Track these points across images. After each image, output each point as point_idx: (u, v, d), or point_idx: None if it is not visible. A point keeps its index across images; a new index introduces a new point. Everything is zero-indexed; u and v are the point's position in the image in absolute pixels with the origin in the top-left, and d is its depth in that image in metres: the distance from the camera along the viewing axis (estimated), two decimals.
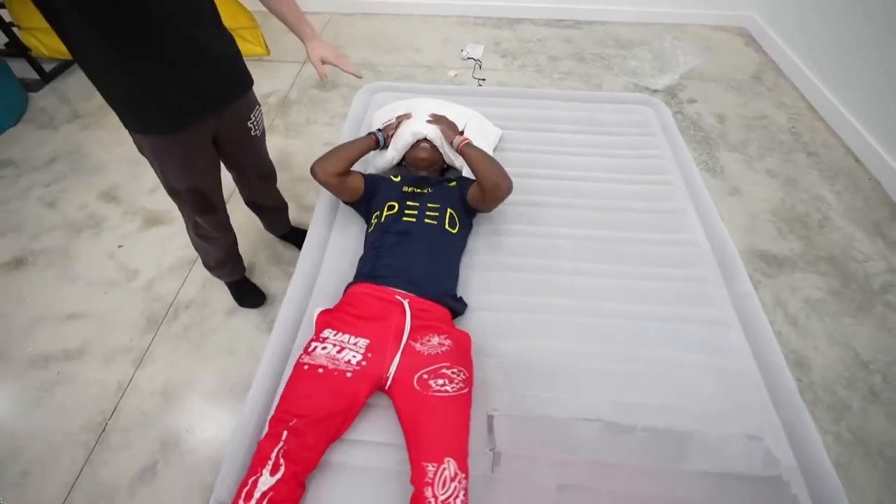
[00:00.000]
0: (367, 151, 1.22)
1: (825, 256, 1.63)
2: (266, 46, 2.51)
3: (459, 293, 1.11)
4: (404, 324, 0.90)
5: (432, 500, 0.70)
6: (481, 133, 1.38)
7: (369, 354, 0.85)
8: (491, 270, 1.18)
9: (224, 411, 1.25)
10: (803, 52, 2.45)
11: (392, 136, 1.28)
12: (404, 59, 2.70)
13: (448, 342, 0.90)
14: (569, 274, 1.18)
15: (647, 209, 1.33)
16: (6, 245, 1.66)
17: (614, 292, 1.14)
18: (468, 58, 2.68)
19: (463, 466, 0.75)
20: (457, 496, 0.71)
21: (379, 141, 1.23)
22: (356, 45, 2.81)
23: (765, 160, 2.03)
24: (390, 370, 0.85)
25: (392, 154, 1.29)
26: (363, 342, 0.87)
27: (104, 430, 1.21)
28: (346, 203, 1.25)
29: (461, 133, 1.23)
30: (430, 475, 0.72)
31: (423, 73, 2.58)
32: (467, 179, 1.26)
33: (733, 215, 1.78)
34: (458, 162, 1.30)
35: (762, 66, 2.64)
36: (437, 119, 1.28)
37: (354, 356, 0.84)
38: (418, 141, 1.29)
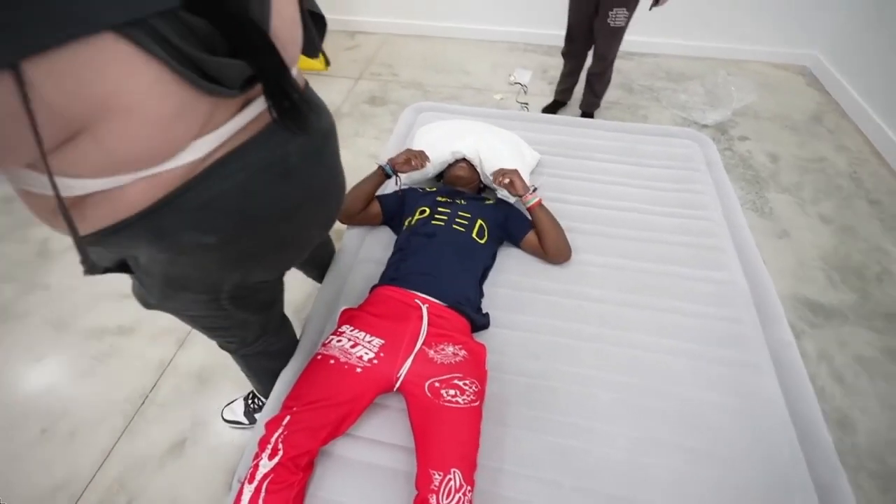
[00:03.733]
0: (380, 185, 1.26)
1: (882, 312, 1.52)
2: (326, 62, 2.68)
3: (485, 309, 1.12)
4: (420, 329, 0.93)
5: None
6: (519, 157, 1.41)
7: (382, 354, 0.88)
8: (519, 290, 1.19)
9: None
10: (870, 95, 2.33)
11: (398, 165, 1.24)
12: (453, 80, 2.80)
13: (463, 353, 0.92)
14: (597, 301, 1.17)
15: (683, 243, 1.31)
16: None
17: (643, 324, 1.12)
18: (515, 82, 2.74)
19: (469, 478, 0.76)
20: None
21: (387, 173, 1.25)
22: (408, 64, 2.95)
23: (819, 205, 1.93)
24: (400, 372, 0.87)
25: (427, 168, 1.34)
26: (378, 341, 0.90)
27: (143, 402, 1.31)
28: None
29: (533, 190, 1.21)
30: (436, 483, 0.73)
31: (470, 95, 2.66)
32: (507, 203, 1.30)
33: (780, 259, 1.70)
34: (500, 192, 1.34)
35: (823, 107, 2.53)
36: (509, 173, 1.22)
37: (367, 353, 0.88)
38: (457, 160, 1.35)
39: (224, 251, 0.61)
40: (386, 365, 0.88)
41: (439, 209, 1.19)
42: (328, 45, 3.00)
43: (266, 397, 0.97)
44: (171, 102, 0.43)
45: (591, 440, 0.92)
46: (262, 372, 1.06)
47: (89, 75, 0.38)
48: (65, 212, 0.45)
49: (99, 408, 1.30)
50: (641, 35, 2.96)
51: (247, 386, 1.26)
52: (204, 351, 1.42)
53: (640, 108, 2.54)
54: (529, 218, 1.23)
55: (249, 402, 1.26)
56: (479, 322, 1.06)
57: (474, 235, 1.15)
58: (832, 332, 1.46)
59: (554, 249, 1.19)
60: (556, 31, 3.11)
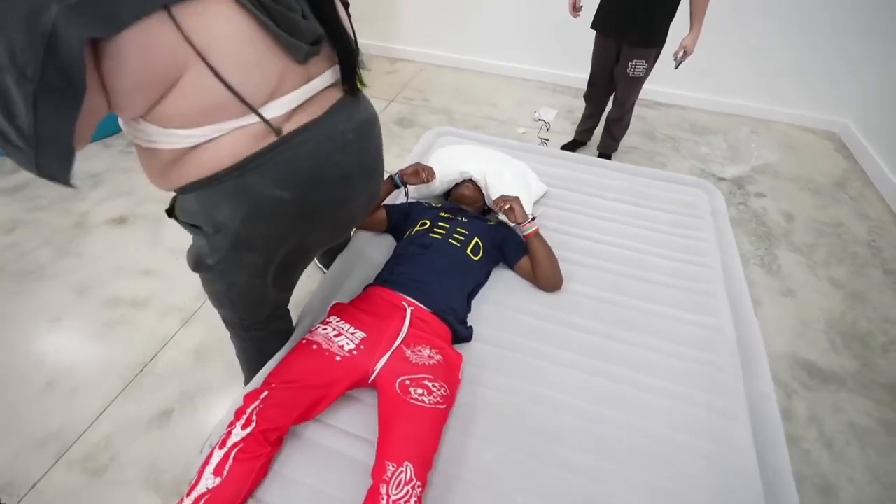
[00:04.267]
0: (388, 193, 1.37)
1: (884, 383, 1.47)
2: (362, 81, 2.86)
3: (470, 323, 1.16)
4: (401, 328, 0.97)
5: (385, 497, 0.74)
6: (524, 185, 1.47)
7: (362, 347, 0.93)
8: (505, 309, 1.23)
9: (241, 379, 1.38)
10: None
11: (406, 176, 1.34)
12: (479, 111, 2.93)
13: (438, 357, 0.96)
14: (580, 330, 1.19)
15: (675, 286, 1.32)
16: (117, 205, 2.01)
17: (623, 358, 1.13)
18: (539, 119, 2.85)
19: (421, 474, 0.78)
20: (408, 500, 0.74)
21: (396, 183, 1.35)
22: (440, 92, 3.11)
23: (831, 269, 1.90)
24: (376, 366, 0.91)
25: (435, 184, 1.42)
26: (360, 334, 0.95)
27: (141, 371, 1.39)
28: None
29: (532, 219, 1.27)
30: (389, 473, 0.76)
31: (493, 126, 2.77)
32: (506, 226, 1.35)
33: (782, 317, 1.67)
34: (500, 216, 1.36)
35: (849, 174, 2.51)
36: (510, 199, 1.27)
37: (348, 344, 0.93)
38: (464, 180, 1.42)
39: (295, 207, 0.73)
40: (364, 357, 0.92)
41: (439, 223, 1.25)
42: (370, 68, 3.19)
43: None
44: (254, 49, 0.57)
45: (551, 462, 0.93)
46: (256, 356, 1.11)
47: (207, 20, 0.52)
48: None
49: (101, 370, 1.38)
50: (669, 86, 3.04)
51: (237, 372, 1.30)
52: (204, 331, 1.50)
53: (658, 155, 2.59)
54: (525, 247, 1.28)
55: None
56: (462, 333, 1.10)
57: (468, 252, 1.19)
58: (827, 396, 1.42)
59: (545, 278, 1.23)
60: (583, 74, 3.24)
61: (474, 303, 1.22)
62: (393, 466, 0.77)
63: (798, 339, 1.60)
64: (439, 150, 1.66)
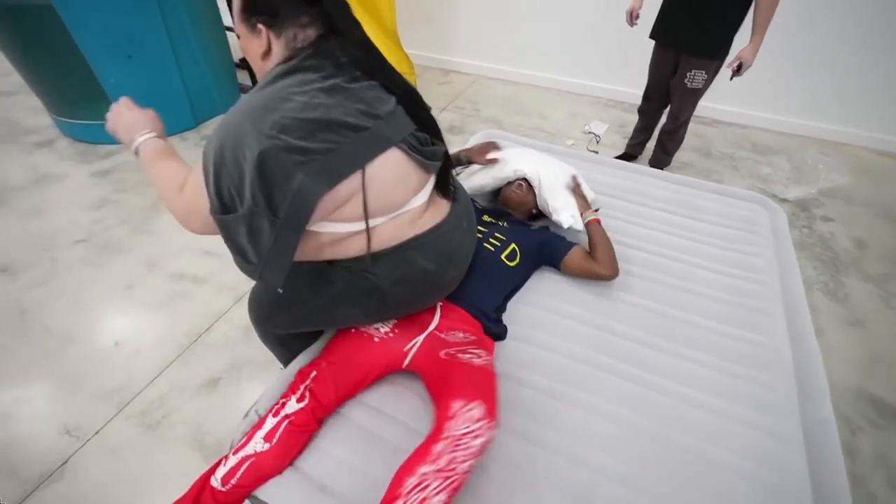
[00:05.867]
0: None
1: None
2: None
3: (505, 322, 1.15)
4: (432, 318, 1.00)
5: (447, 435, 0.72)
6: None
7: (396, 330, 0.96)
8: (542, 310, 1.21)
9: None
10: None
11: (474, 156, 1.39)
12: (529, 122, 2.95)
13: (472, 338, 0.96)
14: (621, 337, 1.16)
15: (727, 301, 1.26)
16: None
17: (664, 368, 1.09)
18: (589, 132, 2.82)
19: (491, 415, 0.78)
20: (477, 436, 0.73)
21: (461, 161, 1.40)
22: (491, 103, 3.16)
23: None
24: (410, 347, 0.94)
25: (487, 181, 1.41)
26: (392, 321, 0.98)
27: (196, 340, 1.50)
28: None
29: (595, 210, 1.29)
30: (454, 410, 0.76)
31: (542, 137, 2.78)
32: (555, 235, 1.31)
33: (847, 347, 1.54)
34: (554, 216, 1.33)
35: None
36: (575, 187, 1.32)
37: (382, 327, 0.96)
38: (517, 178, 1.41)
39: (434, 276, 0.89)
40: (398, 340, 0.95)
41: (478, 227, 1.23)
42: (424, 78, 3.30)
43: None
44: (403, 171, 0.79)
45: (581, 465, 0.90)
46: (294, 345, 1.15)
47: (382, 163, 0.75)
48: (368, 235, 0.79)
49: (162, 336, 1.51)
50: (729, 104, 2.93)
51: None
52: None
53: (714, 173, 2.48)
54: (572, 242, 1.27)
55: None
56: (493, 330, 1.08)
57: (503, 257, 1.17)
58: None
59: (604, 262, 1.21)
60: (638, 90, 3.19)
61: (511, 303, 1.21)
62: (460, 403, 0.77)
63: (865, 372, 1.46)
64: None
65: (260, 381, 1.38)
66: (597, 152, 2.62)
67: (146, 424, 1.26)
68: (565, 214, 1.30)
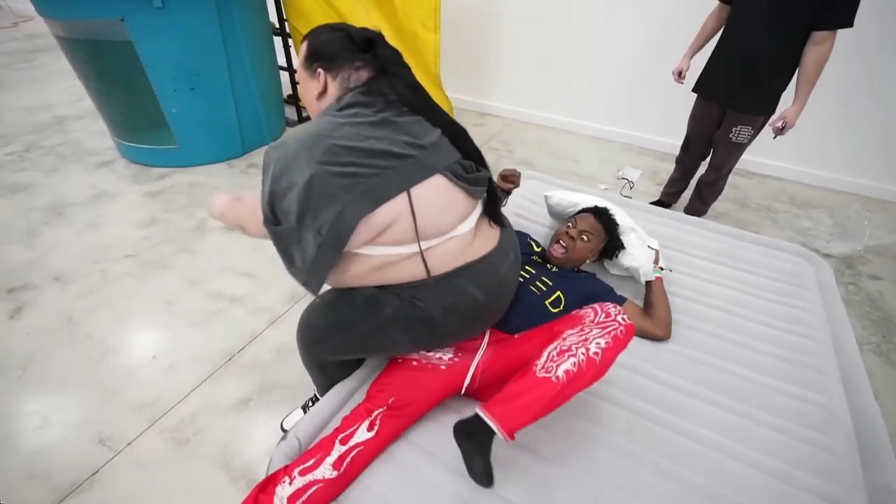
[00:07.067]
0: None
1: None
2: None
3: None
4: (481, 342, 1.01)
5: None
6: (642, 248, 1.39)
7: (460, 354, 0.97)
8: None
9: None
10: None
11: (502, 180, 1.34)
12: (562, 165, 3.00)
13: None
14: (664, 384, 1.12)
15: (776, 355, 1.21)
16: None
17: (711, 421, 1.04)
18: (623, 178, 2.85)
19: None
20: (612, 332, 0.83)
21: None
22: (523, 146, 3.25)
23: None
24: (469, 371, 0.96)
25: (578, 199, 1.46)
26: (449, 352, 0.99)
27: (230, 360, 1.51)
28: None
29: (661, 269, 1.32)
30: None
31: (574, 180, 2.81)
32: (604, 287, 1.26)
33: None
34: (633, 263, 1.32)
35: None
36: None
37: (445, 354, 0.97)
38: (580, 230, 1.30)
39: (483, 305, 0.91)
40: (463, 362, 0.97)
41: (527, 266, 1.23)
42: (460, 119, 3.43)
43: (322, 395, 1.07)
44: (449, 196, 0.84)
45: None
46: (335, 373, 1.11)
47: (425, 188, 0.79)
48: (423, 257, 0.83)
49: (197, 353, 1.53)
50: (766, 157, 2.92)
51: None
52: (287, 333, 1.61)
53: (751, 224, 2.45)
54: (622, 296, 1.26)
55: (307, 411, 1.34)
56: None
57: (548, 303, 1.14)
58: None
59: (662, 318, 1.23)
60: (672, 139, 3.23)
61: None
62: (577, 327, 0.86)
63: None
64: (552, 191, 1.59)
65: (288, 404, 1.37)
66: (630, 198, 2.62)
67: (177, 440, 1.26)
68: (647, 266, 1.30)
